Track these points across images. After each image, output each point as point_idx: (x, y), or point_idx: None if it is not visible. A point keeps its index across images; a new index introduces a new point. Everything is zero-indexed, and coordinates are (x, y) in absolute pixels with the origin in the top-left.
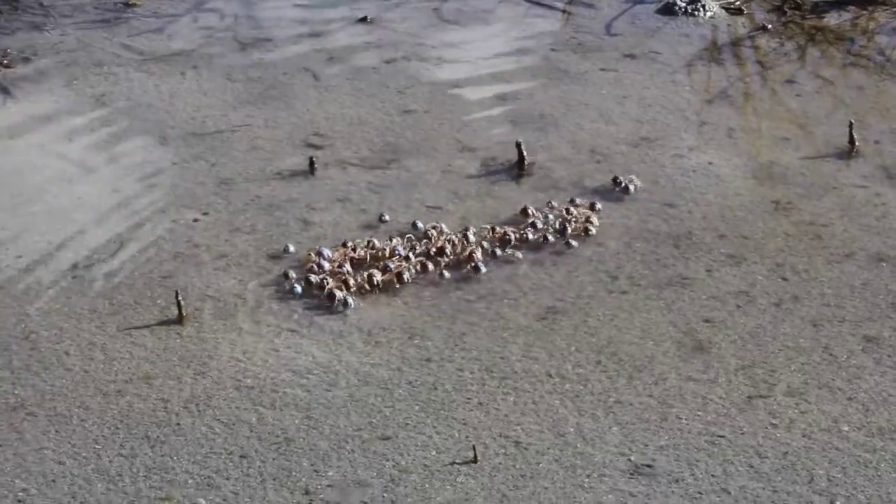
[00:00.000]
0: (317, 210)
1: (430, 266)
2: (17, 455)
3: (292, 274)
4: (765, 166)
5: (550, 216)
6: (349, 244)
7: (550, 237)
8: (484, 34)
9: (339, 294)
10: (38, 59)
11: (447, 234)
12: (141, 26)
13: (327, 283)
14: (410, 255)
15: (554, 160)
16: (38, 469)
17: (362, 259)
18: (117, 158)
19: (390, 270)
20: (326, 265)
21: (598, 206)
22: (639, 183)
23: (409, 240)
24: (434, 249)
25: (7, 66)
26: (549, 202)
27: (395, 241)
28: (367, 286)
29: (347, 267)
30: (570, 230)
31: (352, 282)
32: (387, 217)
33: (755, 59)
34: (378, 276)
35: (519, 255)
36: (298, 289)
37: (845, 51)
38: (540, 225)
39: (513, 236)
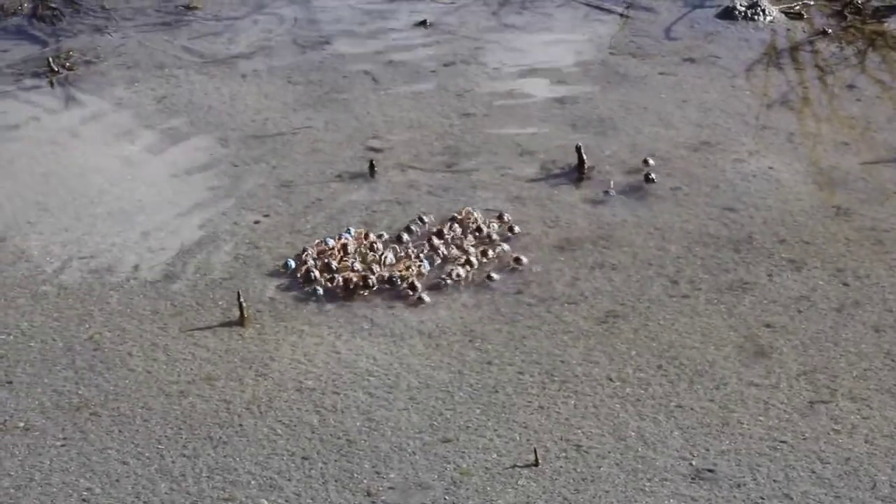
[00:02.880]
0: (377, 212)
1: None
2: (82, 454)
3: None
4: (825, 171)
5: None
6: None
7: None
8: (543, 38)
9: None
10: (100, 62)
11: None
12: (201, 29)
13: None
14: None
15: (614, 163)
16: (103, 469)
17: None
18: (178, 160)
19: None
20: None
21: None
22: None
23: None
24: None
25: (69, 69)
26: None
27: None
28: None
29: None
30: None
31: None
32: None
33: (815, 63)
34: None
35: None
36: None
37: None
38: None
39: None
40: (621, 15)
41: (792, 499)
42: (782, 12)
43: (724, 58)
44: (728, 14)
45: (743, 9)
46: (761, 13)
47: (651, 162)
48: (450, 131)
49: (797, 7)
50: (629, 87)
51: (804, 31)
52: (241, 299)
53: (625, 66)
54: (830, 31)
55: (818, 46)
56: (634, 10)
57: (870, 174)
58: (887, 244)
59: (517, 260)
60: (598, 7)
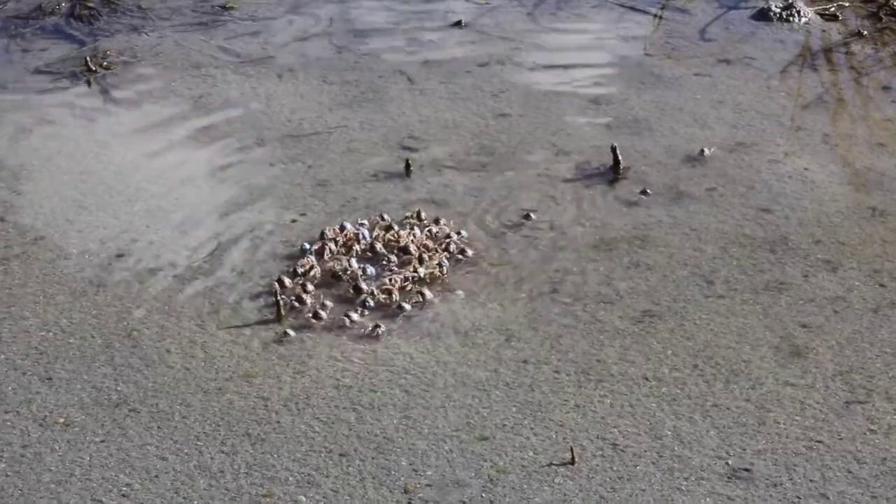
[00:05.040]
0: (413, 212)
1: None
2: (121, 450)
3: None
4: (860, 172)
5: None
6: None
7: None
8: (578, 38)
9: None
10: (137, 61)
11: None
12: (238, 29)
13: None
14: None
15: (649, 164)
16: (142, 464)
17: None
18: (215, 159)
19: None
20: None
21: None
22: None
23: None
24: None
25: (107, 68)
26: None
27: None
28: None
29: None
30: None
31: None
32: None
33: (850, 65)
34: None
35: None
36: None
37: None
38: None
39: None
40: (656, 16)
41: (828, 498)
42: (817, 14)
43: (760, 59)
44: (763, 15)
45: (778, 10)
46: (796, 14)
47: (707, 152)
48: (485, 131)
49: (832, 9)
50: (664, 88)
51: (839, 33)
52: (279, 297)
53: (660, 67)
54: (865, 32)
55: (853, 48)
56: (669, 11)
57: None
58: None
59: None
60: (632, 8)
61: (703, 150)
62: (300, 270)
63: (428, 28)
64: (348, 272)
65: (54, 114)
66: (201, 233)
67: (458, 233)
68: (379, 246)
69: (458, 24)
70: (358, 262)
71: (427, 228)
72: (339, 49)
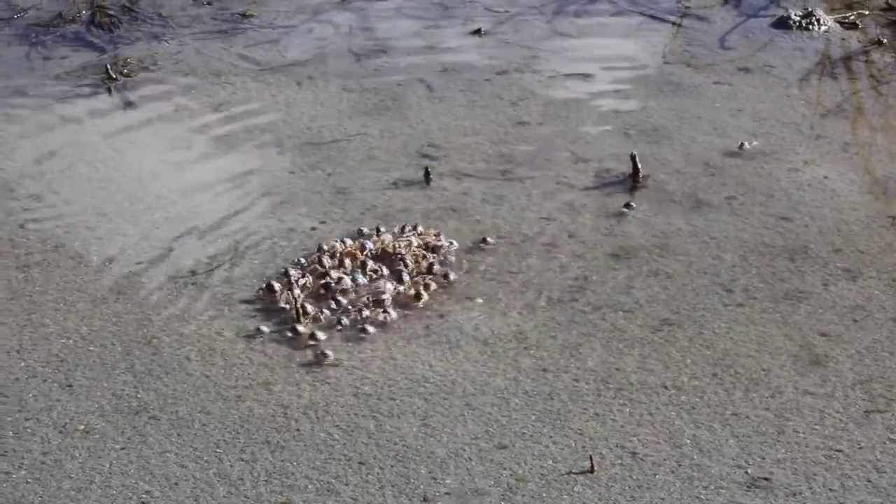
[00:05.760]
0: (432, 220)
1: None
2: (141, 458)
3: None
4: (881, 181)
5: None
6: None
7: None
8: (597, 46)
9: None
10: (158, 69)
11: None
12: (257, 37)
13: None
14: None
15: (668, 173)
16: (161, 472)
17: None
18: (235, 167)
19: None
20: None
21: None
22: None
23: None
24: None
25: (127, 76)
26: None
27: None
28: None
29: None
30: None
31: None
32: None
33: (869, 73)
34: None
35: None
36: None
37: None
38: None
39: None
40: (675, 24)
41: None
42: (837, 22)
43: (779, 67)
44: (783, 24)
45: (798, 18)
46: (816, 23)
47: (746, 146)
48: (504, 139)
49: (852, 17)
50: (683, 96)
51: (859, 41)
52: (298, 305)
53: (679, 75)
54: (885, 41)
55: (873, 56)
56: (688, 19)
57: None
58: None
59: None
60: (652, 16)
61: (742, 144)
62: (294, 281)
63: (447, 36)
64: (333, 286)
65: (75, 121)
66: (220, 240)
67: (437, 249)
68: (370, 262)
69: (477, 32)
70: (352, 273)
71: (416, 244)
72: (358, 57)
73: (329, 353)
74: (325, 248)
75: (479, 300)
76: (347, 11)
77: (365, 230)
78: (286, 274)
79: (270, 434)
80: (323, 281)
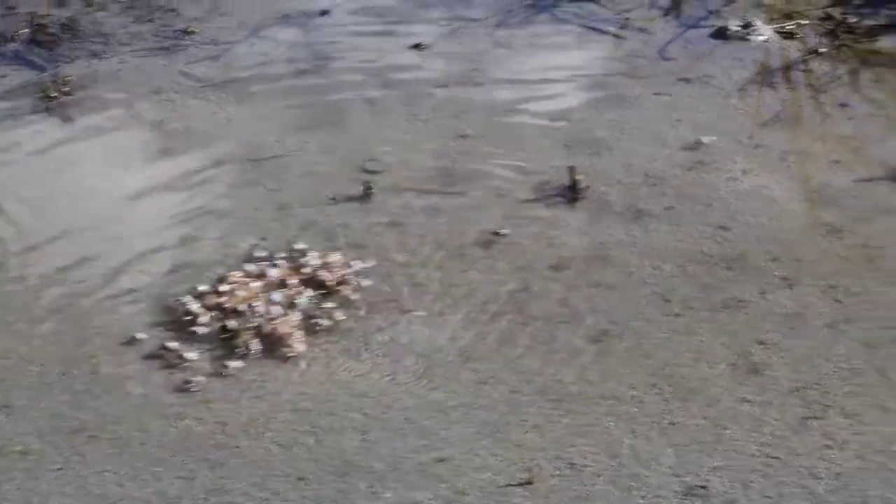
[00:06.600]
0: (373, 234)
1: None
2: (80, 477)
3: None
4: (818, 189)
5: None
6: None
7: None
8: (538, 59)
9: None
10: (98, 86)
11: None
12: (198, 53)
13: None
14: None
15: (608, 184)
16: (100, 492)
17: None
18: (176, 184)
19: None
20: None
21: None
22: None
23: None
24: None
25: (68, 94)
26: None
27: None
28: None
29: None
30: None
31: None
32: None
33: (808, 82)
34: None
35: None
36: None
37: None
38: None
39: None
40: (615, 36)
41: None
42: (776, 32)
43: (718, 77)
44: (721, 34)
45: (737, 29)
46: (755, 33)
47: (705, 140)
48: (445, 152)
49: (791, 27)
50: (624, 108)
51: (797, 51)
52: (237, 320)
53: (619, 87)
54: (823, 50)
55: (811, 65)
56: (629, 30)
57: (862, 192)
58: (878, 261)
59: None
60: (592, 28)
61: (699, 140)
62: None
63: (389, 50)
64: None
65: (14, 140)
66: (160, 257)
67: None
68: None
69: (418, 46)
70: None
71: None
72: (299, 72)
73: (266, 369)
74: (249, 268)
75: (420, 313)
76: (289, 27)
77: (298, 246)
78: (211, 293)
79: (209, 451)
80: (247, 301)
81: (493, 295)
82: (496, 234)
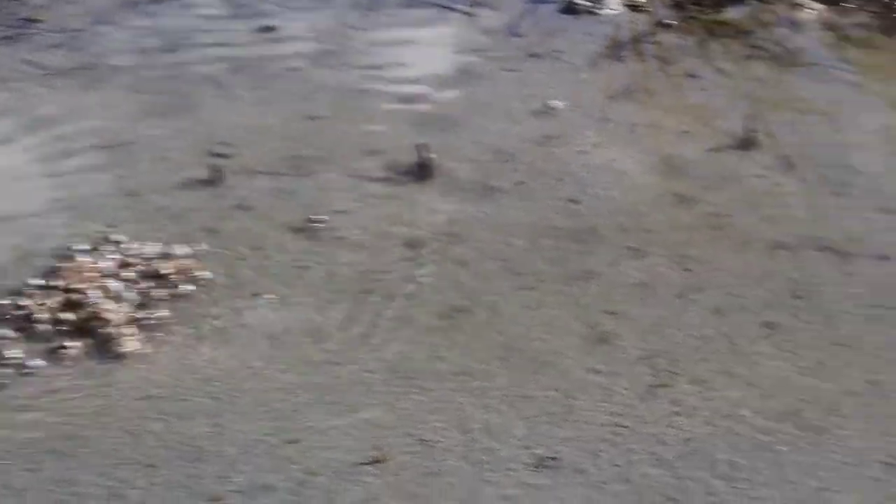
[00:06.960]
0: (223, 218)
1: None
2: None
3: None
4: (667, 160)
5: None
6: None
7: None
8: (389, 38)
9: None
10: None
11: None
12: (44, 41)
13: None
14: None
15: (459, 161)
16: None
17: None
18: (23, 172)
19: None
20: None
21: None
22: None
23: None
24: None
25: None
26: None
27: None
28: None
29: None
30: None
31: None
32: None
33: (657, 54)
34: None
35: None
36: None
37: (745, 44)
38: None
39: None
40: (466, 13)
41: (632, 482)
42: (625, 6)
43: (568, 52)
44: (570, 9)
45: (586, 3)
46: (604, 7)
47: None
48: (295, 134)
49: (639, 0)
50: (475, 85)
51: (646, 24)
52: (56, 315)
53: (470, 64)
54: (672, 22)
55: (660, 38)
56: (479, 7)
57: (710, 161)
58: (727, 229)
59: None
60: (444, 6)
61: (548, 105)
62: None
63: (238, 34)
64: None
65: None
66: (6, 244)
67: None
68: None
69: (268, 28)
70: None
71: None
72: (148, 59)
73: (110, 359)
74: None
75: (269, 296)
76: (137, 14)
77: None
78: (50, 284)
79: (56, 443)
80: (88, 290)
81: (343, 275)
82: (316, 222)
